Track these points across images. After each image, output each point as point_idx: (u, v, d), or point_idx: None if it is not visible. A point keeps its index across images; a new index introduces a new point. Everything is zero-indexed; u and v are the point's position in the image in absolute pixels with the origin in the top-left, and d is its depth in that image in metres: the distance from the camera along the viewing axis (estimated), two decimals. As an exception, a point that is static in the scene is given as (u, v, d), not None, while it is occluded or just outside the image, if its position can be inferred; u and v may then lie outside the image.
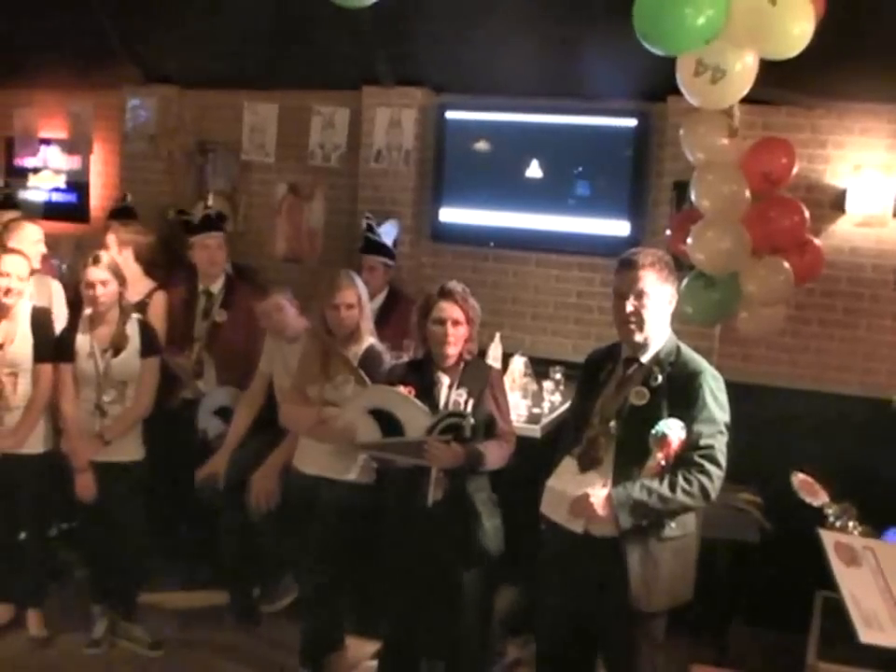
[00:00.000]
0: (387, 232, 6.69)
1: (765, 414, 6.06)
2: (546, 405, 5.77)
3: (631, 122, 6.73)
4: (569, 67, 6.50)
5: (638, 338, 3.95)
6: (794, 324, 6.38)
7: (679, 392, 3.89)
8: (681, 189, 6.15)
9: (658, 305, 3.96)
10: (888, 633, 1.78)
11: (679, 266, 5.88)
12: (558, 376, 5.97)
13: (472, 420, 4.44)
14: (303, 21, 6.82)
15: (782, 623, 5.58)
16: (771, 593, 5.77)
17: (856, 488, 4.89)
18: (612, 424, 3.93)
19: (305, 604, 5.32)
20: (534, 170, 6.90)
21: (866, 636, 1.74)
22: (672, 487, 3.79)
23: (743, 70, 4.69)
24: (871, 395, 6.13)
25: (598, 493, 3.84)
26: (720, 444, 3.88)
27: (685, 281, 5.77)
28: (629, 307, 3.92)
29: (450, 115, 7.12)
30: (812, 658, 4.78)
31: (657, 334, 3.99)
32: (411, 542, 4.51)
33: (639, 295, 3.92)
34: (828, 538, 1.92)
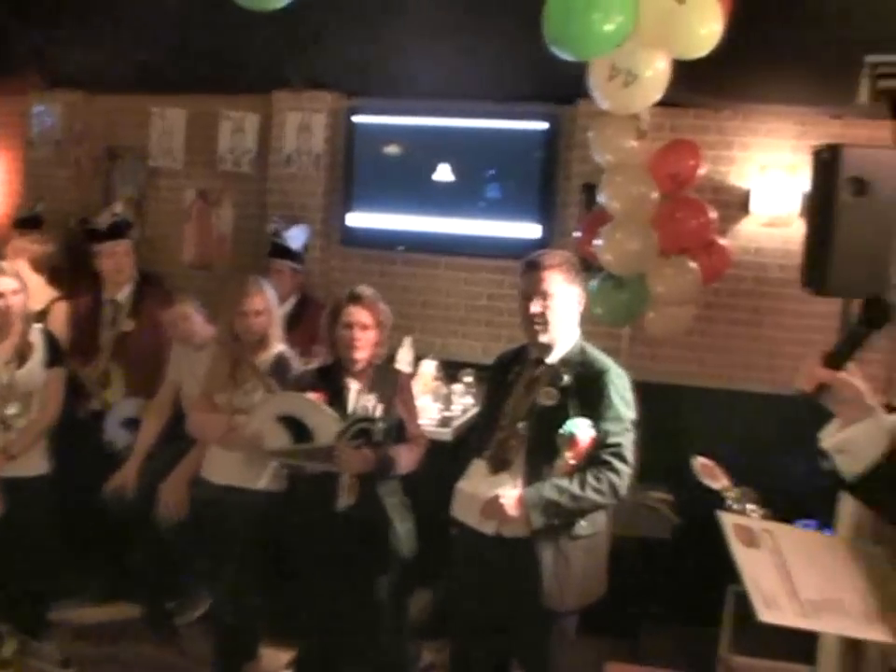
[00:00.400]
0: (296, 237, 6.64)
1: (674, 413, 6.12)
2: (457, 408, 5.78)
3: (541, 125, 6.76)
4: (480, 71, 6.51)
5: (545, 339, 3.97)
6: (702, 323, 6.45)
7: (587, 391, 3.91)
8: (590, 191, 6.19)
9: (565, 306, 3.97)
10: (785, 613, 1.80)
11: (589, 267, 5.96)
12: (469, 379, 5.98)
13: (382, 425, 4.43)
14: (211, 24, 6.74)
15: (695, 618, 5.63)
16: (683, 588, 5.83)
17: (764, 483, 4.96)
18: (521, 425, 3.94)
19: (218, 614, 5.26)
20: (444, 173, 6.90)
21: (766, 615, 1.76)
22: (582, 486, 3.82)
23: (655, 74, 4.73)
24: (777, 392, 6.21)
25: (510, 494, 3.85)
26: (627, 442, 3.92)
27: (594, 282, 5.81)
28: (535, 308, 3.94)
29: (358, 119, 7.11)
30: (724, 651, 4.85)
31: (564, 335, 4.01)
32: (323, 549, 4.48)
33: (545, 296, 3.93)
34: (727, 519, 1.94)
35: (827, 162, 4.87)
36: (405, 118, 7.03)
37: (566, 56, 4.57)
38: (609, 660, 4.99)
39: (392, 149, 7.05)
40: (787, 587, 1.86)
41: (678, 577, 5.84)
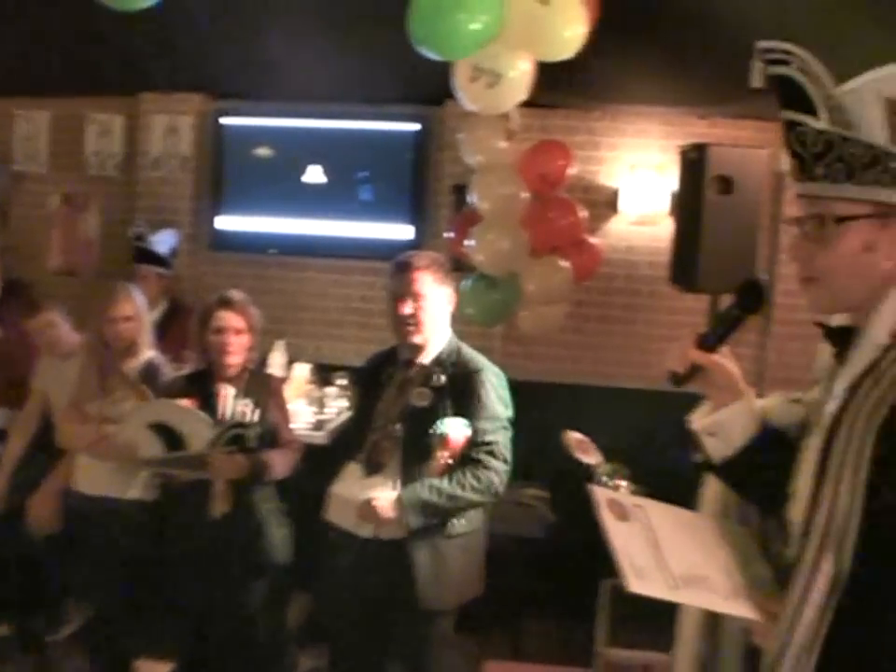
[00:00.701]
0: (163, 241, 6.53)
1: (549, 411, 6.15)
2: (331, 411, 5.76)
3: (412, 127, 6.77)
4: (350, 72, 6.48)
5: (417, 339, 3.96)
6: (574, 321, 6.52)
7: (461, 391, 3.92)
8: (461, 191, 6.21)
9: (435, 307, 3.97)
10: (655, 584, 1.82)
11: (461, 268, 5.97)
12: (342, 381, 5.96)
13: (256, 430, 4.38)
14: (75, 24, 6.59)
15: (572, 613, 5.69)
16: (560, 585, 5.87)
17: (639, 477, 5.02)
18: (395, 426, 3.93)
19: (91, 629, 5.13)
20: (316, 175, 6.87)
21: (635, 586, 1.77)
22: (459, 485, 3.82)
23: (519, 75, 4.76)
24: (650, 387, 6.28)
25: (385, 496, 3.83)
26: (504, 440, 3.94)
27: (467, 282, 5.83)
28: (406, 309, 3.93)
29: (226, 121, 7.04)
30: (601, 645, 4.90)
31: (436, 335, 4.01)
32: (198, 557, 4.41)
33: (416, 297, 3.93)
34: (600, 493, 1.95)
35: (693, 161, 4.96)
36: (275, 119, 6.97)
37: (432, 56, 4.57)
38: (489, 658, 5.01)
39: (262, 151, 6.99)
40: (656, 560, 1.88)
41: (554, 573, 5.89)
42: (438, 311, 3.99)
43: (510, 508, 5.65)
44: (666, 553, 1.90)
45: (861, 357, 1.83)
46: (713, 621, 2.09)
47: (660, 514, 2.02)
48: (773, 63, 1.84)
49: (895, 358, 1.78)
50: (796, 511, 1.87)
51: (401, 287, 3.95)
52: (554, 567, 5.90)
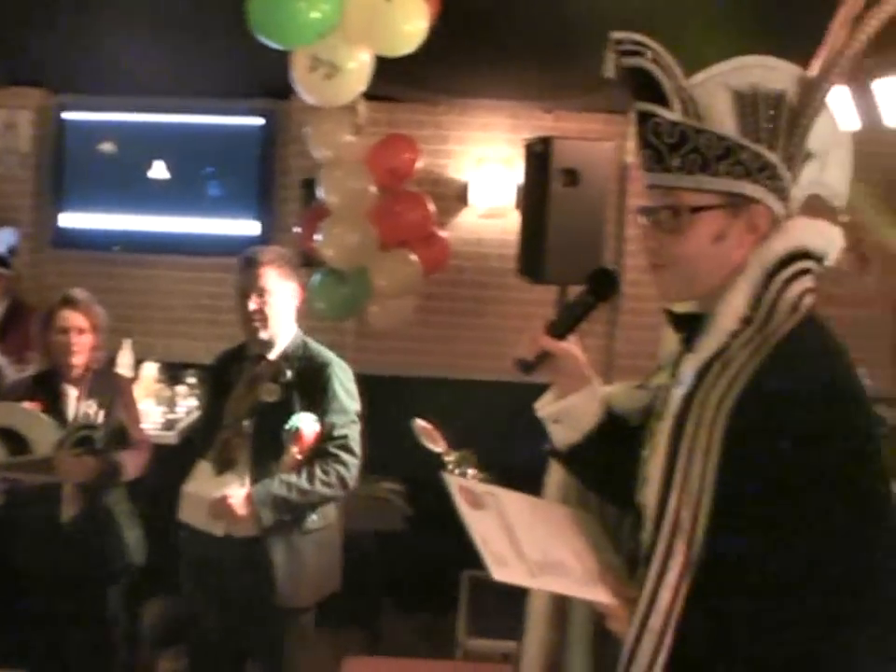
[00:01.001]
0: (1, 240, 6.35)
1: (402, 404, 6.15)
2: (181, 410, 5.68)
3: (257, 121, 6.71)
4: (194, 66, 6.38)
5: (264, 335, 3.94)
6: (425, 315, 6.54)
7: (310, 386, 3.91)
8: (309, 186, 6.18)
9: (281, 302, 3.95)
10: (516, 572, 1.83)
11: (310, 263, 5.94)
12: (192, 380, 5.88)
13: (104, 431, 4.30)
14: None
15: (432, 605, 5.71)
16: (419, 577, 5.90)
17: (491, 467, 5.06)
18: (245, 423, 3.90)
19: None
20: (160, 171, 6.76)
21: (498, 574, 1.78)
22: (311, 479, 3.80)
23: (358, 67, 4.76)
24: (501, 379, 6.36)
25: (237, 493, 3.80)
26: (353, 433, 3.94)
27: (316, 277, 5.81)
28: (252, 305, 3.90)
29: (67, 116, 6.87)
30: (462, 636, 4.94)
31: (283, 331, 3.99)
32: (48, 563, 4.30)
33: (262, 293, 3.91)
34: (453, 482, 1.95)
35: (539, 155, 5.03)
36: (118, 114, 6.84)
37: (271, 44, 4.55)
38: (350, 653, 5.00)
39: (105, 147, 6.84)
40: (514, 548, 1.89)
41: (413, 566, 5.91)
42: (284, 306, 3.97)
43: (366, 502, 5.65)
44: (521, 540, 1.91)
45: (709, 342, 1.86)
46: (561, 607, 2.11)
47: (511, 502, 2.03)
48: (626, 54, 1.86)
49: (743, 343, 1.81)
50: (649, 495, 1.89)
51: (247, 283, 3.92)
52: (413, 559, 5.93)
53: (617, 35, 1.87)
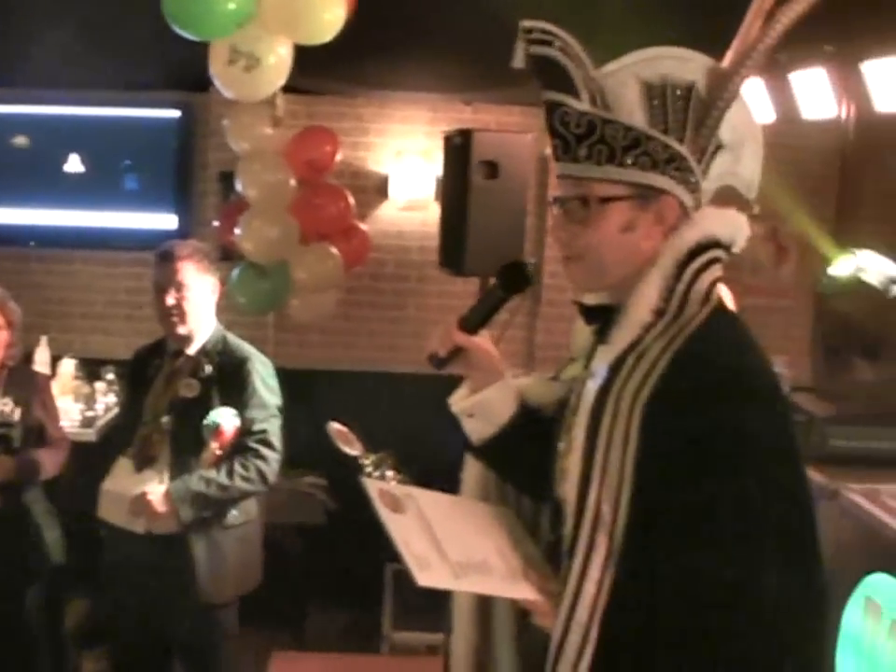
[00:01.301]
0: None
1: (324, 398, 6.16)
2: (100, 407, 5.62)
3: (174, 114, 6.64)
4: (109, 58, 6.29)
5: (182, 330, 3.91)
6: (346, 308, 6.54)
7: (229, 381, 3.89)
8: (228, 179, 6.13)
9: (199, 296, 3.92)
10: (440, 575, 1.83)
11: (230, 256, 5.91)
12: (111, 376, 5.82)
13: (21, 429, 4.23)
14: None
15: (357, 600, 5.71)
16: (343, 572, 5.89)
17: (414, 459, 5.06)
18: (164, 419, 3.86)
19: None
20: (75, 164, 6.66)
21: (422, 579, 1.78)
22: (230, 475, 3.78)
23: (278, 60, 4.72)
24: (423, 371, 6.35)
25: (156, 489, 3.76)
26: (273, 428, 3.92)
27: (236, 271, 5.77)
28: (170, 300, 3.87)
29: (-22, 109, 6.73)
30: (387, 629, 4.95)
31: (202, 326, 3.96)
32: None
33: (179, 287, 3.87)
34: (371, 486, 1.94)
35: (458, 147, 5.02)
36: (31, 107, 6.70)
37: (187, 35, 4.50)
38: (275, 649, 4.99)
39: (18, 141, 6.71)
40: (436, 550, 1.88)
41: (338, 560, 5.90)
42: (202, 301, 3.94)
43: (288, 497, 5.63)
44: (443, 541, 1.91)
45: (622, 335, 1.86)
46: (485, 604, 2.12)
47: (430, 502, 2.03)
48: (535, 42, 1.85)
49: (657, 336, 1.82)
50: (569, 490, 1.90)
51: (164, 278, 3.89)
52: (337, 554, 5.92)
53: (526, 23, 1.87)
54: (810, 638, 1.80)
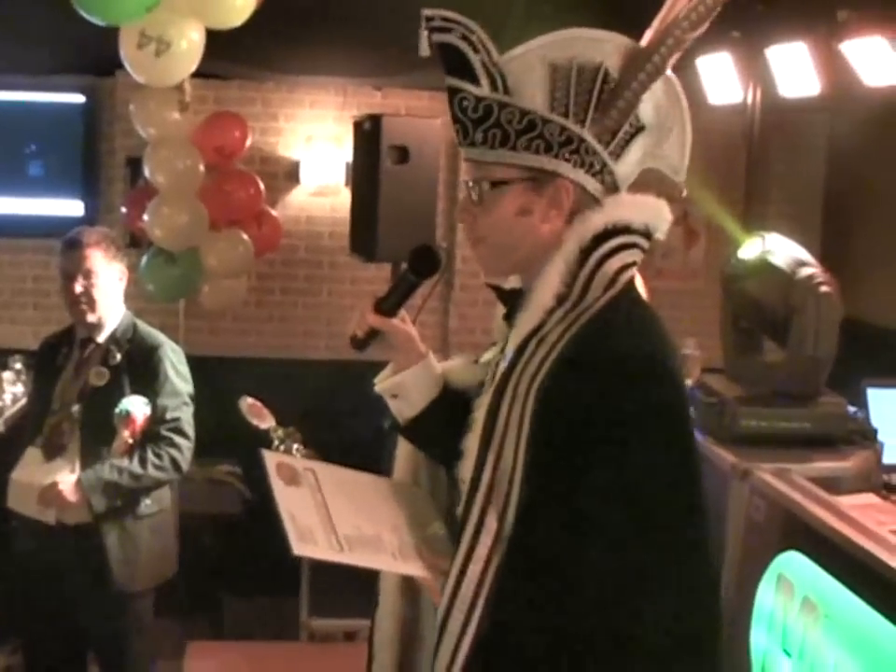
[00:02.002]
0: None
1: (236, 385, 6.09)
2: (7, 397, 5.52)
3: (78, 98, 6.53)
4: (11, 40, 6.17)
5: (91, 318, 3.86)
6: (258, 294, 6.52)
7: (140, 368, 3.85)
8: (135, 165, 6.06)
9: (107, 284, 3.88)
10: (319, 547, 1.85)
11: (138, 243, 5.84)
12: (18, 366, 5.72)
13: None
14: None
15: (274, 588, 5.69)
16: (260, 560, 5.85)
17: (326, 443, 5.06)
18: (74, 408, 3.81)
19: None
20: (-24, 151, 6.53)
21: (299, 548, 1.80)
22: (143, 463, 3.75)
23: (189, 45, 4.67)
24: (336, 357, 6.36)
25: (67, 479, 3.71)
26: (186, 416, 3.90)
27: (145, 258, 5.71)
28: (78, 288, 3.82)
29: None
30: (305, 616, 4.94)
31: (111, 313, 3.92)
32: None
33: (87, 275, 3.82)
34: (271, 458, 1.96)
35: (368, 132, 5.03)
36: (-70, 91, 6.55)
37: (95, 20, 4.43)
38: (192, 639, 4.94)
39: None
40: (324, 524, 1.90)
41: (255, 548, 5.86)
42: (110, 288, 3.89)
43: (203, 486, 5.60)
44: (334, 514, 1.93)
45: (527, 319, 1.87)
46: (413, 584, 2.13)
47: (330, 477, 2.05)
48: (436, 30, 1.87)
49: (558, 320, 1.83)
50: (465, 469, 1.92)
51: (72, 266, 3.84)
52: (254, 542, 5.88)
53: (427, 11, 1.88)
54: (699, 618, 1.84)
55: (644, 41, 1.93)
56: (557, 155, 1.86)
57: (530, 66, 1.87)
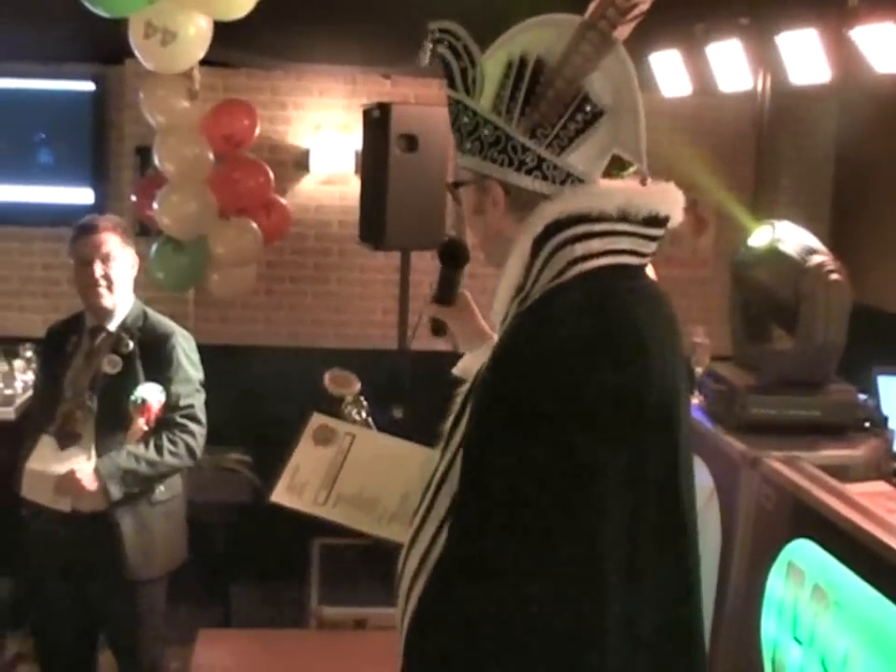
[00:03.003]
0: None
1: (247, 374, 6.13)
2: (19, 385, 5.55)
3: (88, 86, 6.53)
4: (21, 29, 6.17)
5: (108, 302, 3.86)
6: (267, 283, 6.52)
7: (152, 356, 3.87)
8: (145, 153, 6.07)
9: (123, 269, 3.90)
10: (301, 499, 1.86)
11: (147, 232, 5.85)
12: (29, 354, 5.74)
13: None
14: None
15: (284, 575, 5.71)
16: (270, 548, 5.87)
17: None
18: (88, 396, 3.82)
19: None
20: (-14, 138, 6.53)
21: (276, 496, 1.82)
22: (159, 450, 3.77)
23: (196, 34, 4.67)
24: (345, 346, 6.37)
25: (84, 467, 3.72)
26: (199, 402, 3.93)
27: (154, 247, 5.72)
28: (98, 271, 3.82)
29: None
30: (314, 603, 4.95)
31: (123, 300, 3.93)
32: None
33: (106, 258, 3.83)
34: (316, 419, 1.99)
35: (377, 120, 5.02)
36: (-61, 80, 6.56)
37: (99, 12, 4.43)
38: (202, 626, 4.96)
39: (-72, 114, 6.57)
40: (325, 481, 1.93)
41: (265, 537, 5.88)
42: (125, 274, 3.92)
43: (213, 474, 5.62)
44: (344, 475, 1.97)
45: (496, 311, 1.95)
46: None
47: (367, 442, 2.09)
48: (434, 42, 1.92)
49: (514, 312, 1.88)
50: (438, 451, 2.01)
51: (88, 250, 3.83)
52: (264, 529, 5.89)
53: (431, 25, 1.92)
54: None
55: (587, 14, 1.86)
56: (486, 157, 1.90)
57: (497, 63, 1.89)
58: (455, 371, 2.24)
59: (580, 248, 1.85)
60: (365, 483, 1.98)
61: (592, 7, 1.86)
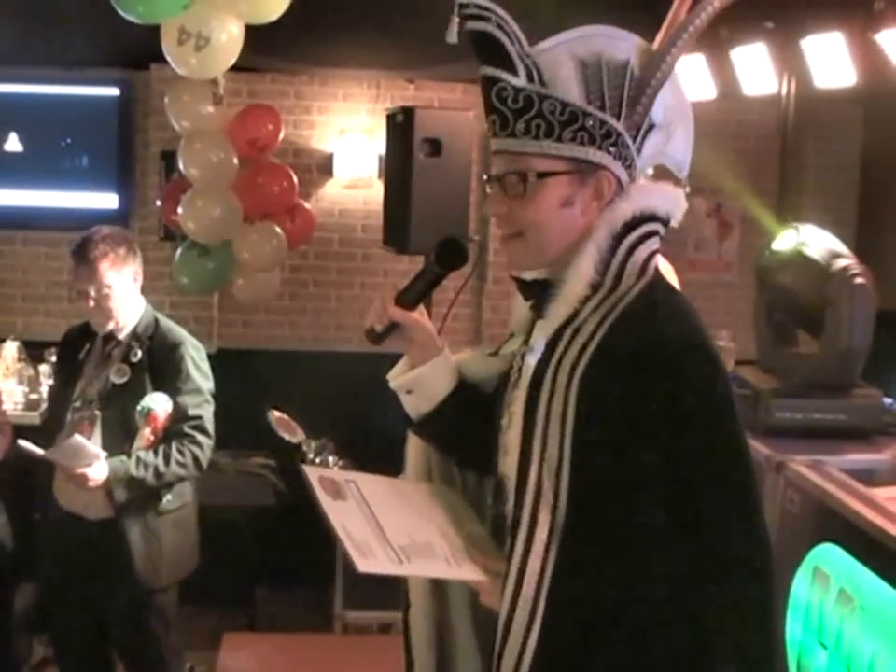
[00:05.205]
0: None
1: (270, 378, 6.14)
2: (44, 389, 5.56)
3: (114, 91, 6.56)
4: (47, 35, 6.21)
5: (108, 325, 3.85)
6: (291, 287, 6.53)
7: (162, 365, 3.84)
8: (170, 158, 6.09)
9: (121, 291, 3.83)
10: (379, 560, 1.82)
11: (172, 236, 5.87)
12: (54, 359, 5.75)
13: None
14: None
15: (309, 580, 5.71)
16: (294, 552, 5.88)
17: (359, 438, 5.07)
18: (95, 405, 3.82)
19: None
20: (14, 143, 6.56)
21: (362, 566, 1.77)
22: (166, 460, 3.74)
23: (228, 39, 4.69)
24: (369, 350, 6.34)
25: (97, 465, 3.68)
26: (207, 414, 3.89)
27: (179, 251, 5.74)
28: (92, 302, 3.79)
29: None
30: (339, 608, 4.95)
31: (130, 313, 3.89)
32: None
33: (98, 289, 3.78)
34: (312, 473, 1.92)
35: (401, 125, 5.02)
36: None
37: (133, 19, 4.45)
38: (227, 630, 4.97)
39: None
40: (377, 536, 1.87)
41: (289, 541, 5.89)
42: (125, 294, 3.85)
43: (237, 478, 5.62)
44: (385, 525, 1.90)
45: (559, 309, 1.87)
46: (440, 583, 2.12)
47: (372, 486, 2.01)
48: (471, 18, 1.86)
49: (593, 309, 1.84)
50: (509, 466, 1.90)
51: (82, 283, 3.80)
52: (288, 533, 5.90)
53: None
54: (751, 610, 1.83)
55: (656, 44, 1.94)
56: (601, 147, 1.87)
57: (559, 60, 1.87)
58: (397, 383, 2.11)
59: (650, 246, 1.90)
60: (407, 529, 1.94)
61: (664, 36, 1.94)
